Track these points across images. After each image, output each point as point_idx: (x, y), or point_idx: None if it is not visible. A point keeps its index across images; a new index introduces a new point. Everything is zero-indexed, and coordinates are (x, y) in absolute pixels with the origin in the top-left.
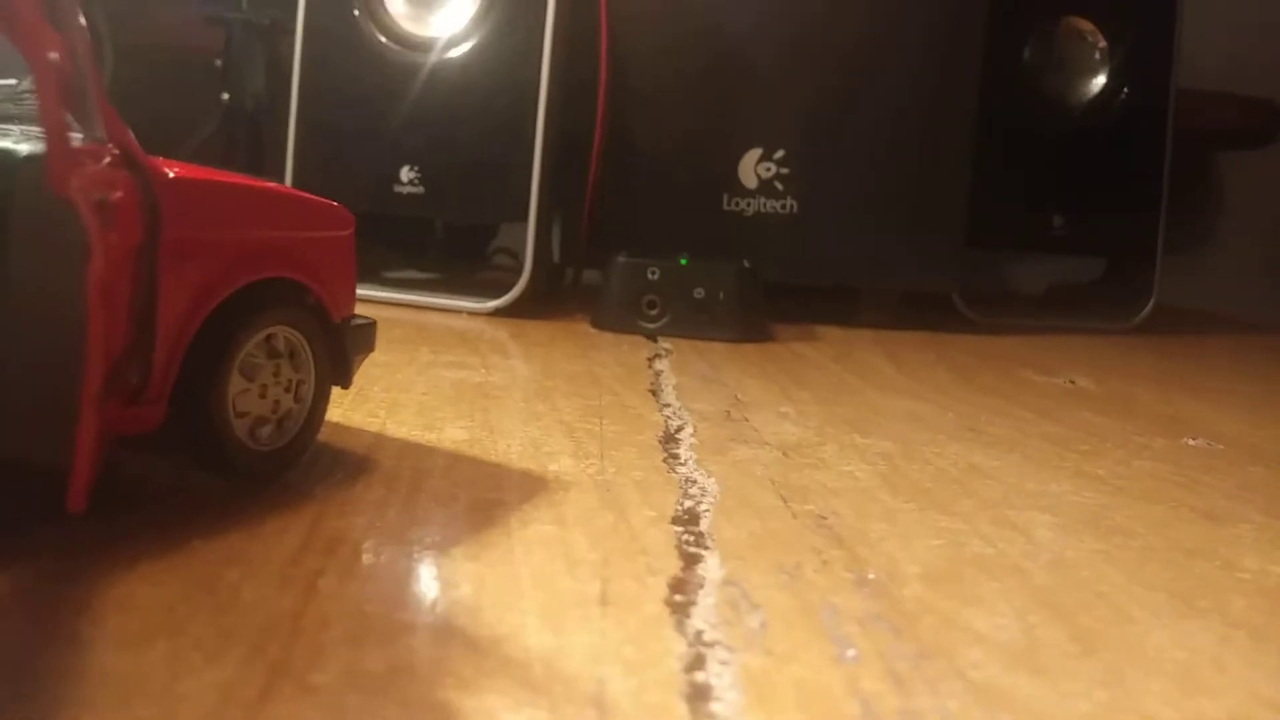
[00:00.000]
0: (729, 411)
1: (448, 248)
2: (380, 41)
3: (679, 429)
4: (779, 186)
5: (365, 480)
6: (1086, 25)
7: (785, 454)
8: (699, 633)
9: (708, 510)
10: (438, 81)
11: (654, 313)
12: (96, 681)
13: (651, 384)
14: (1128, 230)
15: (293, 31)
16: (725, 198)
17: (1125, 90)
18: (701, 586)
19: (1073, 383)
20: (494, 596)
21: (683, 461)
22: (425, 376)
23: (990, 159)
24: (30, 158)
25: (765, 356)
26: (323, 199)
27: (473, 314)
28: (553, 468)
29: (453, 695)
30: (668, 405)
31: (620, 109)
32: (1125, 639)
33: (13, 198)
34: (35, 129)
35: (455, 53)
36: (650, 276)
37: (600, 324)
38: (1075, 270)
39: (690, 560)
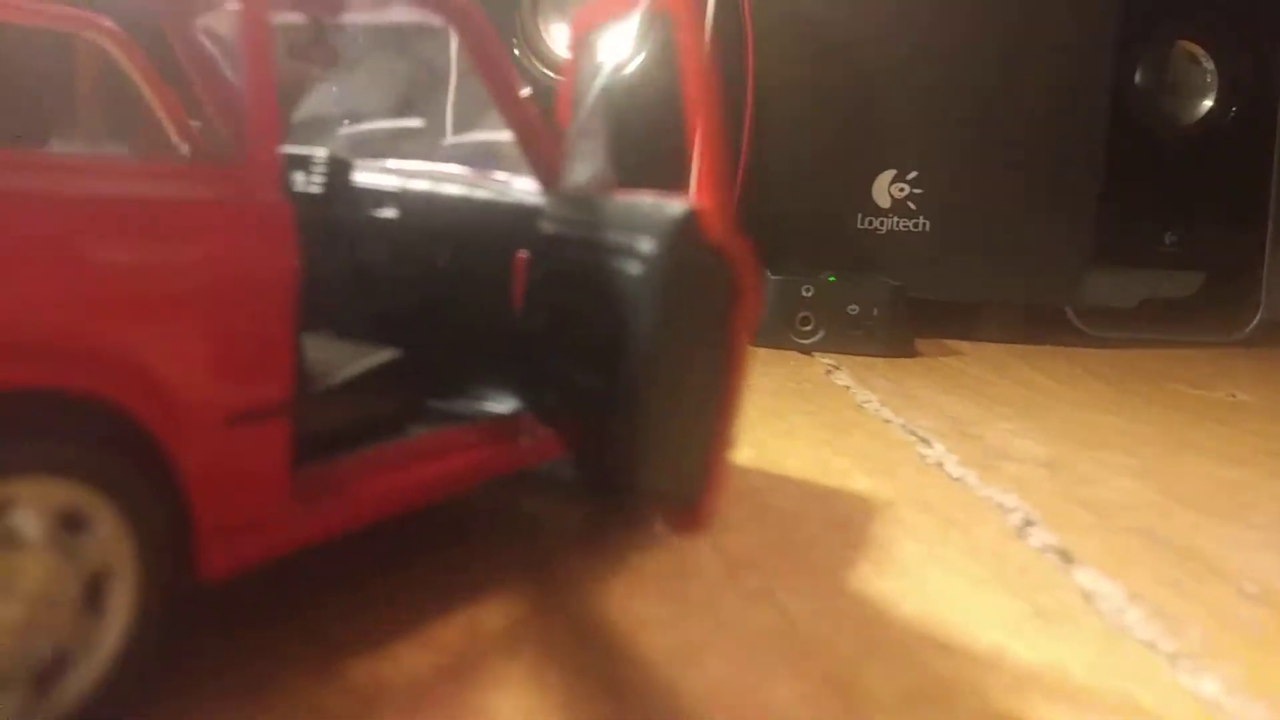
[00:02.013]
0: (960, 429)
1: None
2: (541, 72)
3: (927, 442)
4: (912, 206)
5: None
6: (1196, 49)
7: (1051, 471)
8: (1150, 642)
9: (1038, 525)
10: (603, 106)
11: (808, 329)
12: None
13: (853, 399)
14: (1234, 245)
15: None
16: (859, 217)
17: (1234, 110)
18: (1110, 599)
19: (1234, 396)
20: (953, 615)
21: (965, 480)
22: None
23: (1106, 178)
24: (685, 213)
25: (927, 370)
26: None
27: None
28: (856, 487)
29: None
30: (890, 421)
31: (761, 131)
32: None
33: (669, 251)
34: (463, 172)
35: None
36: (804, 293)
37: (753, 339)
38: (1168, 284)
39: (1068, 574)
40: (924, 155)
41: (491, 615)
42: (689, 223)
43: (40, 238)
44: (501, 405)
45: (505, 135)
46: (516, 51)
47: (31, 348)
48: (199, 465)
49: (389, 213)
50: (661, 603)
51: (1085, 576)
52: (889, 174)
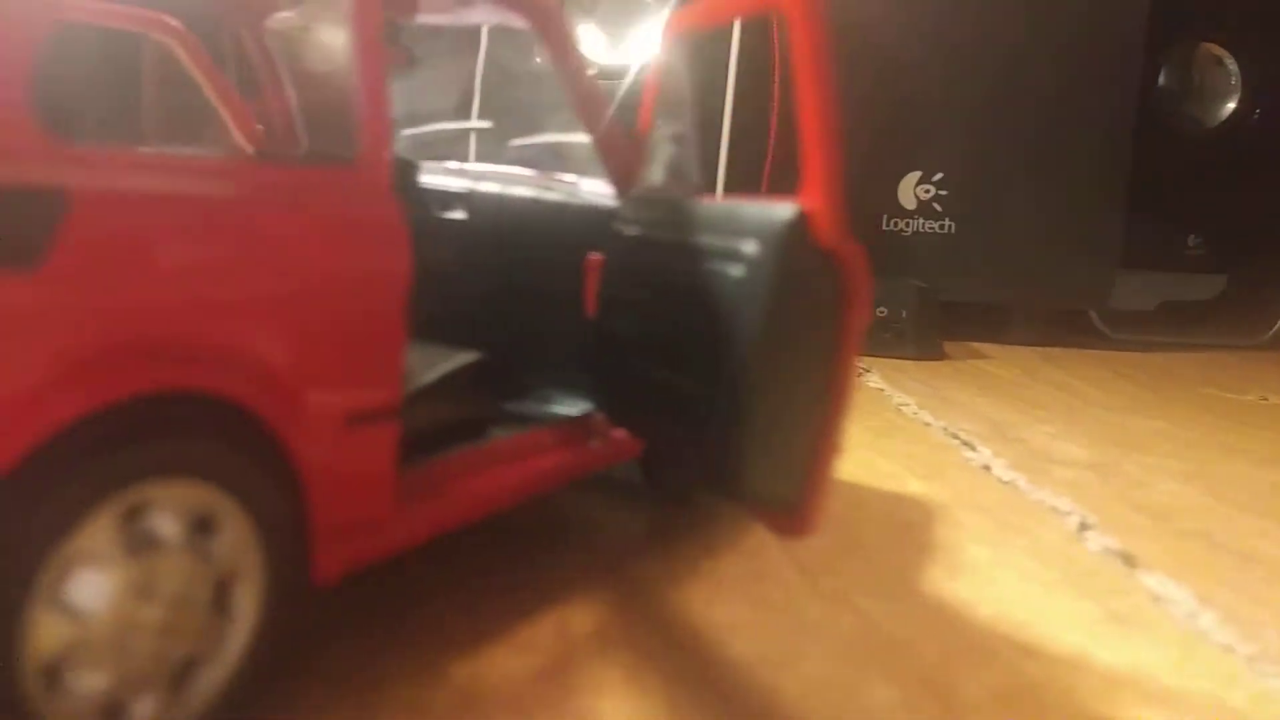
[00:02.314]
0: (1001, 432)
1: None
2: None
3: (970, 446)
4: (937, 208)
5: None
6: (1220, 51)
7: (1099, 474)
8: (1228, 645)
9: (1095, 529)
10: (630, 108)
11: None
12: None
13: (890, 402)
14: (1257, 248)
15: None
16: (884, 218)
17: (1257, 112)
18: (1180, 603)
19: (1265, 399)
20: (1029, 617)
21: (1016, 483)
22: None
23: (1131, 182)
24: (795, 217)
25: (957, 373)
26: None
27: None
28: (909, 490)
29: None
30: (930, 424)
31: (787, 132)
32: None
33: (781, 255)
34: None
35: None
36: None
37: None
38: (1190, 287)
39: (1133, 577)
40: (949, 157)
41: (577, 618)
42: (798, 226)
43: (177, 239)
44: (571, 407)
45: (571, 137)
46: (539, 60)
47: (170, 351)
48: (318, 466)
49: (457, 214)
50: (744, 607)
51: (1151, 580)
52: (914, 175)
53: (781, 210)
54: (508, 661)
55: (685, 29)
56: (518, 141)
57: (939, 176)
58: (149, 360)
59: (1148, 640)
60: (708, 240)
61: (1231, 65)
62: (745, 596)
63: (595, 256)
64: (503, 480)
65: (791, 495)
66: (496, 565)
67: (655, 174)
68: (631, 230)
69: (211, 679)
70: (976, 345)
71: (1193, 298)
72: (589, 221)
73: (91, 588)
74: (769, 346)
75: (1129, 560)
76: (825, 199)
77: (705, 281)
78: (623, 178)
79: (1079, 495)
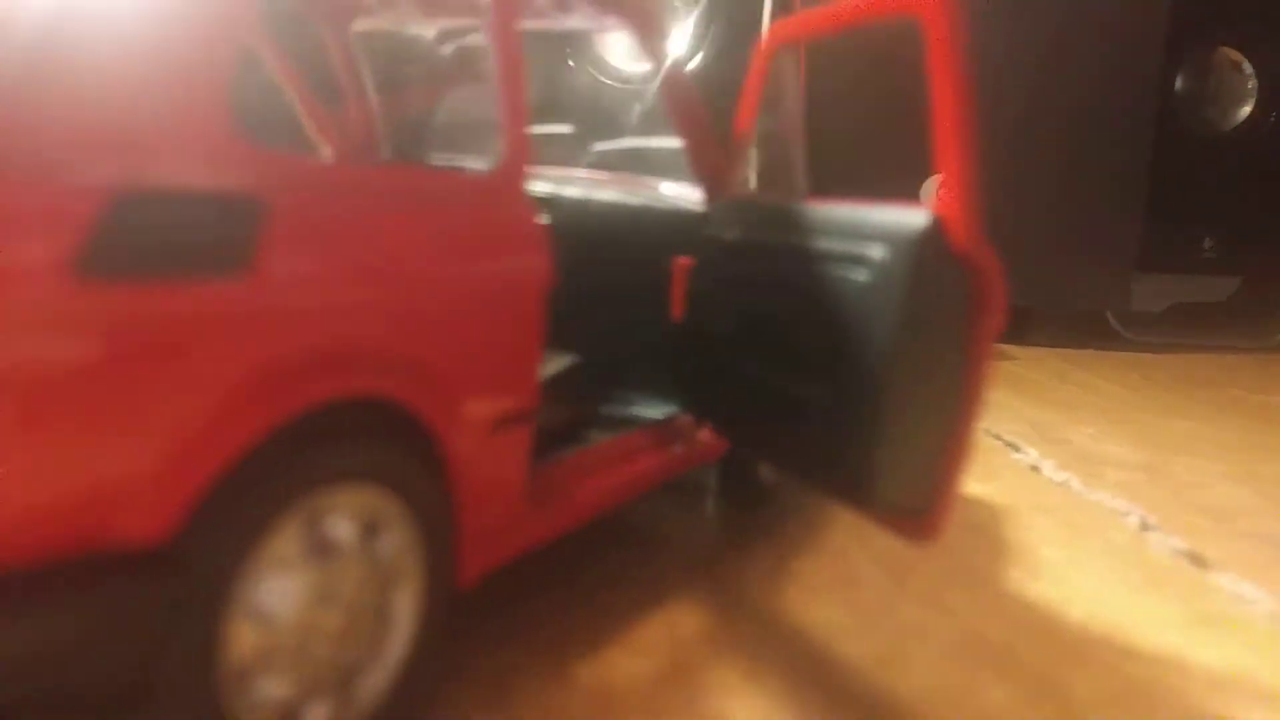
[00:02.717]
0: (1043, 434)
1: None
2: (596, 79)
3: (1016, 447)
4: None
5: None
6: (1237, 55)
7: (1149, 475)
8: None
9: (1158, 530)
10: (655, 111)
11: None
12: None
13: None
14: (1272, 251)
15: None
16: None
17: (1274, 116)
18: (1261, 603)
19: None
20: (1119, 619)
21: (1070, 484)
22: None
23: (1148, 185)
24: (929, 222)
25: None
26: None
27: None
28: (968, 492)
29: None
30: None
31: (811, 135)
32: None
33: (915, 261)
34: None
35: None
36: None
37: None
38: (1205, 288)
39: (1207, 578)
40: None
41: (683, 620)
42: (933, 232)
43: (360, 246)
44: (657, 409)
45: (651, 142)
46: (571, 61)
47: (354, 357)
48: (467, 470)
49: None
50: (840, 609)
51: (1225, 580)
52: (936, 178)
53: (915, 216)
54: (628, 664)
55: (792, 38)
56: (599, 146)
57: None
58: (338, 366)
59: (1240, 641)
60: (826, 244)
61: (1248, 70)
62: (839, 598)
63: (682, 260)
64: (610, 483)
65: (921, 500)
66: (590, 567)
67: (754, 178)
68: (729, 234)
69: (374, 685)
70: (1000, 346)
71: (1206, 299)
72: (675, 225)
73: (280, 594)
74: (902, 352)
75: (1198, 561)
76: (961, 204)
77: (825, 286)
78: (713, 182)
79: (1134, 496)
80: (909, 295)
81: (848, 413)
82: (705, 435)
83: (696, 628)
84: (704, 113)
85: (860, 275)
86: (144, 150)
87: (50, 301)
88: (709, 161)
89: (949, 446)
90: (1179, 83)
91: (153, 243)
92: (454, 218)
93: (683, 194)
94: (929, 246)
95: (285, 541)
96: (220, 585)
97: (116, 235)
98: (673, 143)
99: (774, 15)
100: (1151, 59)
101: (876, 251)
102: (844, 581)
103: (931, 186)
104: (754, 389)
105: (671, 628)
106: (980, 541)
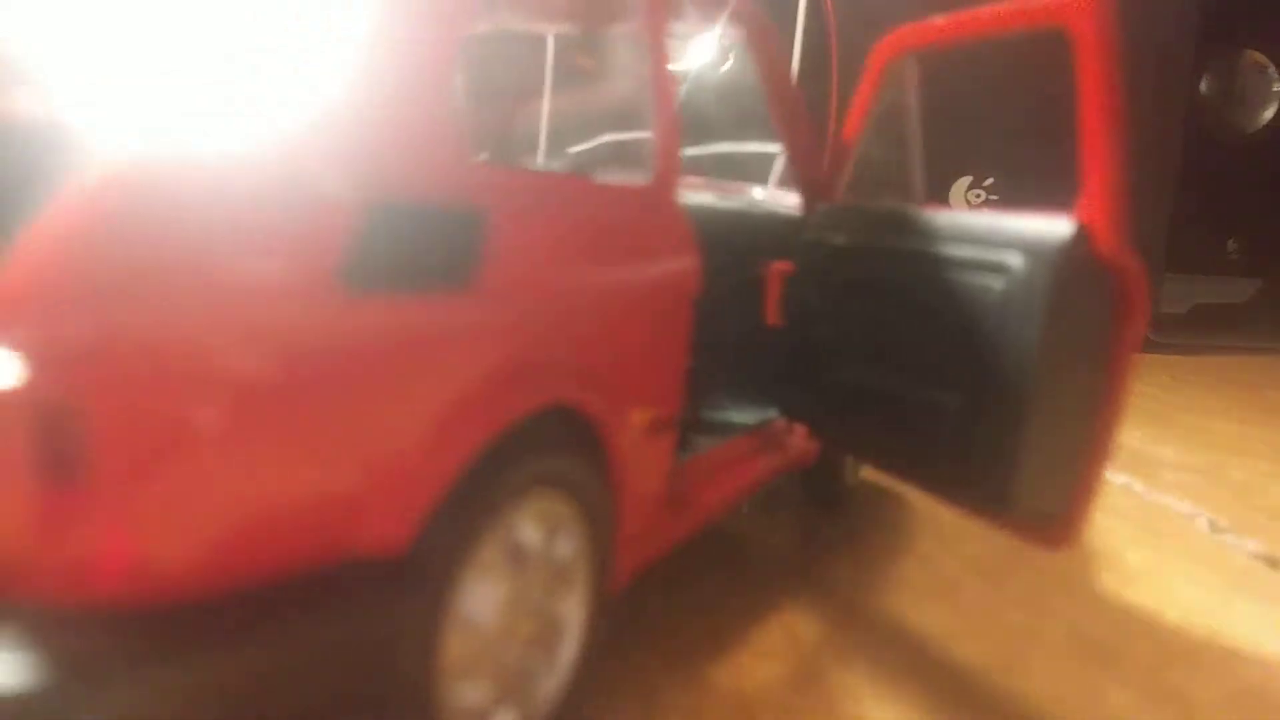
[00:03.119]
0: None
1: None
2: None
3: None
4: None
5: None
6: (1263, 59)
7: (1207, 477)
8: None
9: (1229, 532)
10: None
11: None
12: None
13: None
14: None
15: None
16: None
17: None
18: None
19: None
20: (1218, 623)
21: (1132, 486)
22: None
23: (1176, 187)
24: (1073, 231)
25: None
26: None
27: None
28: None
29: None
30: None
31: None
32: None
33: (1058, 269)
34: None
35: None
36: None
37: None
38: (1227, 289)
39: None
40: (1000, 161)
41: (799, 625)
42: (1076, 241)
43: (563, 256)
44: (753, 414)
45: (745, 146)
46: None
47: (554, 366)
48: (625, 474)
49: None
50: (946, 613)
51: None
52: (965, 180)
53: (1057, 225)
54: (759, 669)
55: (912, 47)
56: (690, 151)
57: (989, 181)
58: (543, 375)
59: None
60: (954, 251)
61: (1273, 73)
62: (941, 602)
63: (779, 265)
64: (725, 488)
65: (1058, 508)
66: (696, 572)
67: (862, 184)
68: (837, 239)
69: (549, 691)
70: None
71: (1228, 301)
72: (772, 230)
73: (483, 600)
74: (1044, 360)
75: (1273, 563)
76: (1105, 212)
77: (953, 293)
78: (813, 187)
79: (1198, 498)
80: (1053, 303)
81: (985, 420)
82: (799, 440)
83: (813, 632)
84: (807, 117)
85: (996, 282)
86: (388, 166)
87: (316, 315)
88: (810, 166)
89: (1088, 453)
90: (1204, 85)
91: (402, 256)
92: (624, 228)
93: (778, 198)
94: (1074, 254)
95: (491, 549)
96: (445, 593)
97: (371, 249)
98: (762, 147)
99: (806, 20)
100: (1182, 62)
101: (1016, 259)
102: (942, 585)
103: (961, 188)
104: (869, 395)
105: (790, 632)
106: None
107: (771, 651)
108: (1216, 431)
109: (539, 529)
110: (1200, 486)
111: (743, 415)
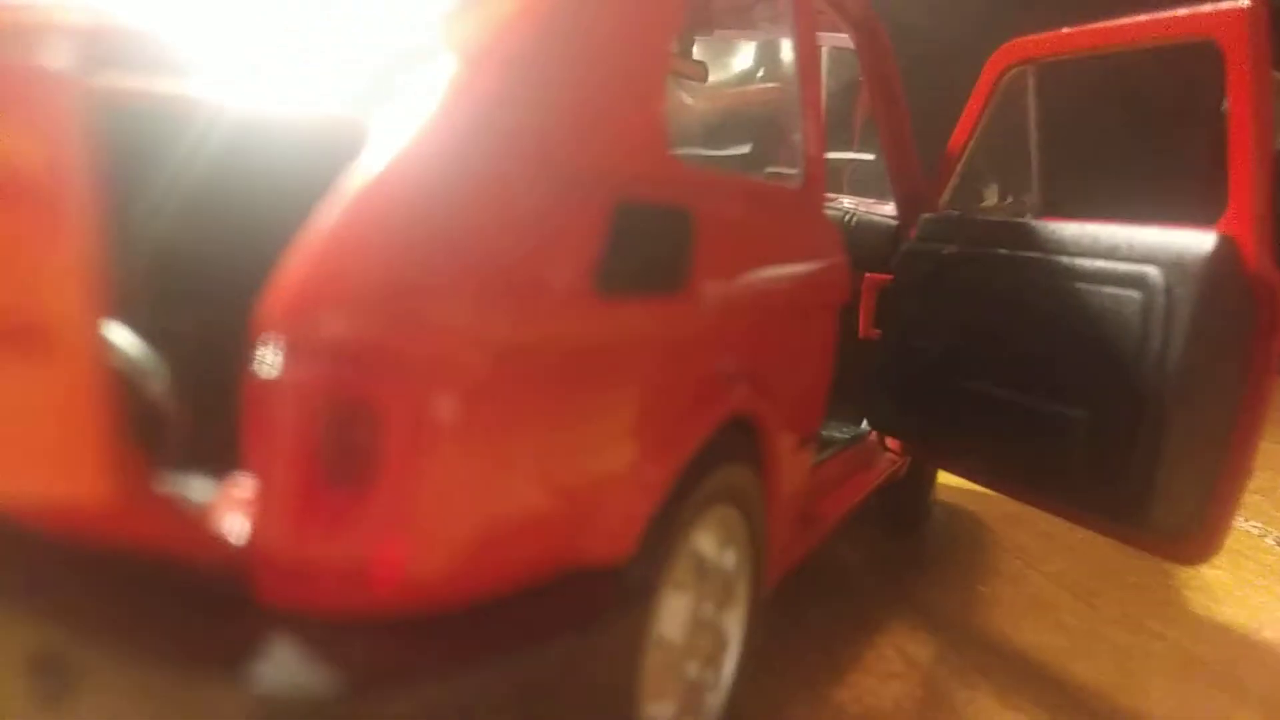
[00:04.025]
0: None
1: None
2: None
3: None
4: None
5: None
6: None
7: (1265, 496)
8: None
9: None
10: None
11: None
12: None
13: None
14: None
15: None
16: None
17: None
18: None
19: None
20: None
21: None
22: None
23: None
24: (1218, 245)
25: None
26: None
27: None
28: None
29: None
30: None
31: (868, 141)
32: None
33: (1203, 284)
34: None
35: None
36: None
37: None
38: None
39: None
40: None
41: (910, 645)
42: (1221, 254)
43: (754, 256)
44: (844, 429)
45: (832, 155)
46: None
47: (742, 373)
48: (778, 487)
49: None
50: (1047, 631)
51: None
52: (993, 189)
53: (1201, 238)
54: (883, 690)
55: (1028, 57)
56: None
57: (1009, 200)
58: (733, 383)
59: None
60: (1083, 264)
61: None
62: (1041, 621)
63: (875, 276)
64: (837, 503)
65: (1194, 523)
66: (798, 595)
67: (974, 196)
68: (945, 249)
69: (714, 706)
70: None
71: None
72: (865, 240)
73: (674, 614)
74: (1187, 375)
75: None
76: (1251, 225)
77: (1084, 306)
78: (912, 197)
79: (1264, 518)
80: (1196, 318)
81: (1121, 435)
82: (890, 454)
83: (926, 652)
84: (910, 128)
85: (1132, 296)
86: (626, 167)
87: (580, 318)
88: (909, 175)
89: (1227, 468)
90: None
91: (640, 258)
92: (791, 230)
93: (873, 208)
94: (1218, 269)
95: (684, 561)
96: (653, 605)
97: (618, 251)
98: (856, 156)
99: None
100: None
101: (1154, 272)
102: (1037, 604)
103: (992, 194)
104: (981, 409)
105: (903, 653)
106: (1145, 562)
107: (892, 673)
108: (1273, 454)
109: (715, 542)
110: (1261, 505)
111: (837, 430)
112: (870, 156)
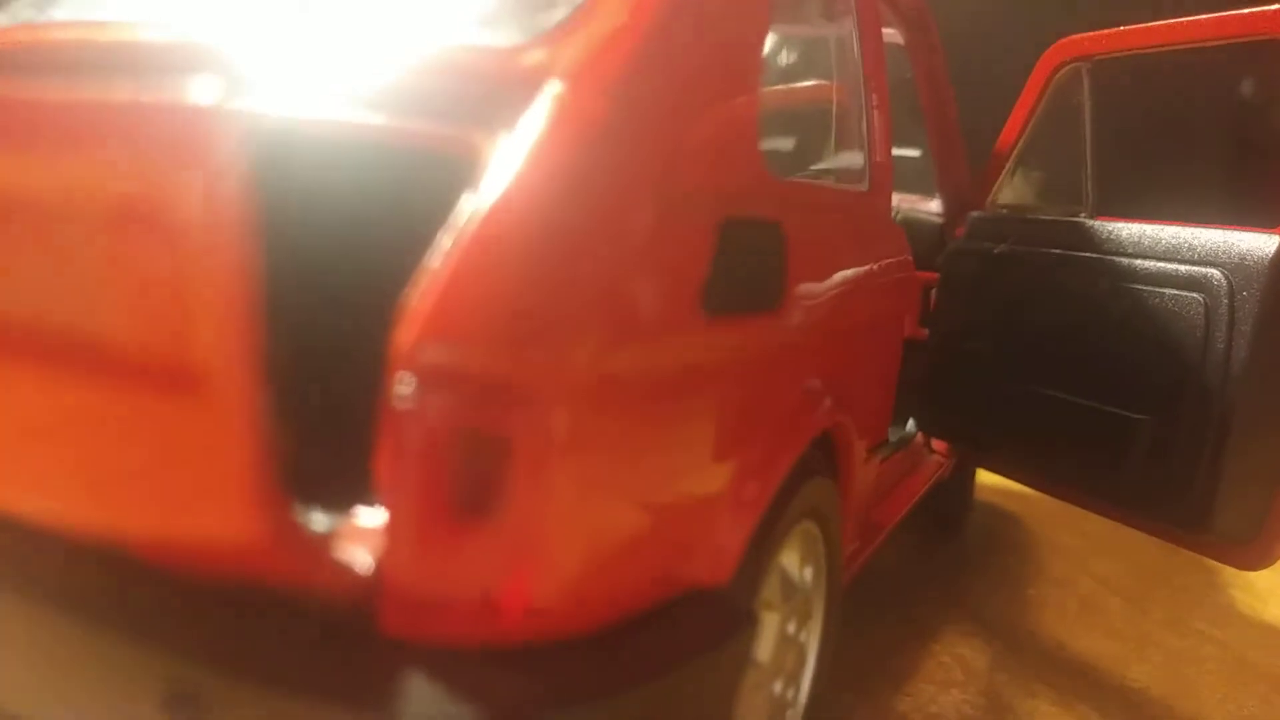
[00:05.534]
0: None
1: None
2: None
3: None
4: None
5: None
6: None
7: None
8: None
9: None
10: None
11: None
12: None
13: None
14: None
15: None
16: None
17: None
18: None
19: None
20: None
21: None
22: None
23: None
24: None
25: None
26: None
27: None
28: None
29: None
30: None
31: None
32: None
33: (1270, 285)
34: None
35: None
36: None
37: None
38: None
39: None
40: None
41: (966, 652)
42: None
43: (836, 268)
44: (892, 430)
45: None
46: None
47: (827, 387)
48: (851, 499)
49: None
50: (1100, 637)
51: None
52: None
53: (1265, 240)
54: (943, 697)
55: (1082, 55)
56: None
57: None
58: (821, 399)
59: None
60: (1139, 264)
61: None
62: (1092, 625)
63: (921, 275)
64: (893, 506)
65: (1256, 528)
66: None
67: (1023, 194)
68: (995, 248)
69: (798, 707)
70: None
71: None
72: (911, 238)
73: (766, 635)
74: (1248, 379)
75: None
76: None
77: (1140, 308)
78: (959, 195)
79: None
80: (1262, 321)
81: (1185, 440)
82: (937, 456)
83: (982, 659)
84: (958, 125)
85: (1195, 298)
86: (725, 183)
87: (688, 339)
88: (957, 174)
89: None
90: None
91: (741, 276)
92: (866, 238)
93: (917, 205)
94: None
95: (772, 579)
96: (757, 626)
97: (724, 269)
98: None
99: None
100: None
101: (1219, 275)
102: (1087, 608)
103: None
104: (1033, 411)
105: (959, 660)
106: (1191, 565)
107: (951, 680)
108: None
109: (798, 558)
110: None
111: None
112: (915, 153)
